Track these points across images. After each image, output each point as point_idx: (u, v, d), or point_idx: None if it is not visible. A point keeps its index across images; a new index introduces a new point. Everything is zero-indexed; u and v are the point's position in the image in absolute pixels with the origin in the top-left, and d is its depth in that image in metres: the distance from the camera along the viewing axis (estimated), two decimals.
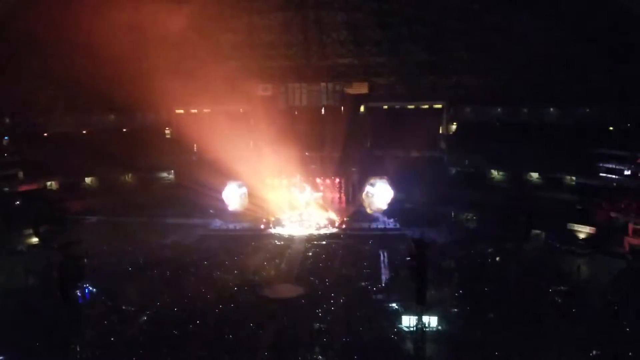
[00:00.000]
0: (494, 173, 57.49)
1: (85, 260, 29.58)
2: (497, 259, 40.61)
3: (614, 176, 49.62)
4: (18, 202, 51.35)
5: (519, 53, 53.89)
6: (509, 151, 54.27)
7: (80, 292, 31.24)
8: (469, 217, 50.99)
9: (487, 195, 51.81)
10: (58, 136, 59.54)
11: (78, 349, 27.32)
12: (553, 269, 38.21)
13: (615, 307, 31.63)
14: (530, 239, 45.84)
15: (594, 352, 26.23)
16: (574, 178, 52.29)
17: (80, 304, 30.95)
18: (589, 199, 48.10)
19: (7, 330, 28.89)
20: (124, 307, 32.45)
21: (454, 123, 63.75)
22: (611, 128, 54.01)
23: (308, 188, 55.10)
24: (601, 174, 50.37)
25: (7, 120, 59.08)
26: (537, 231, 46.04)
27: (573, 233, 45.74)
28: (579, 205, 48.33)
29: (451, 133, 63.78)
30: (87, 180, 59.00)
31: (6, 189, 52.61)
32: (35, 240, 45.86)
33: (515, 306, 31.54)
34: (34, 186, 54.60)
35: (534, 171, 55.05)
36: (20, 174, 54.79)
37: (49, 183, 56.63)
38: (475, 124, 61.15)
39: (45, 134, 60.43)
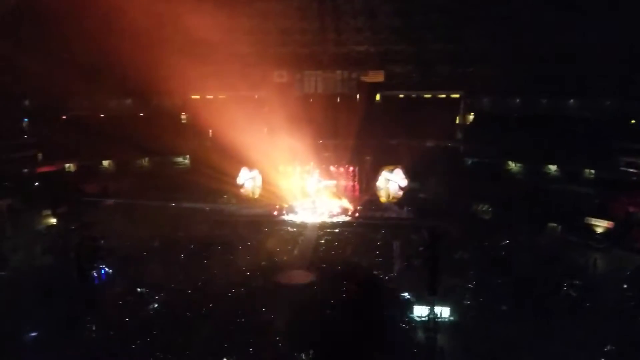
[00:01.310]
0: (511, 165, 56.89)
1: (102, 241, 29.96)
2: (512, 251, 40.30)
3: (634, 170, 48.80)
4: (37, 183, 52.08)
5: (539, 43, 53.00)
6: (527, 143, 53.62)
7: (96, 273, 31.76)
8: (483, 208, 50.58)
9: (503, 187, 51.35)
10: (76, 119, 60.21)
11: (94, 328, 27.86)
12: (568, 263, 37.85)
13: (632, 303, 31.31)
14: (546, 232, 45.44)
15: (608, 348, 26.03)
16: (592, 171, 51.53)
17: (96, 284, 31.46)
18: (607, 192, 47.42)
19: (24, 308, 29.52)
20: (138, 289, 32.95)
21: (471, 113, 63.10)
22: (633, 121, 53.03)
23: (321, 176, 55.03)
24: (621, 168, 49.57)
25: (27, 103, 59.88)
26: (553, 224, 45.58)
27: (590, 227, 45.18)
28: (597, 199, 47.68)
29: (468, 123, 63.20)
30: (105, 163, 59.68)
31: (25, 170, 53.45)
32: (53, 221, 46.54)
33: (528, 299, 31.34)
34: (52, 168, 55.40)
35: (552, 163, 54.35)
36: (39, 156, 55.60)
37: (67, 165, 57.36)
38: (492, 115, 60.52)
39: (64, 117, 61.12)
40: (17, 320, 28.22)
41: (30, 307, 29.67)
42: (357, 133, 58.04)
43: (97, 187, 54.25)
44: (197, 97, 65.06)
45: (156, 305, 31.17)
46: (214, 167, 52.35)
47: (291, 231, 46.87)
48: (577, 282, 33.88)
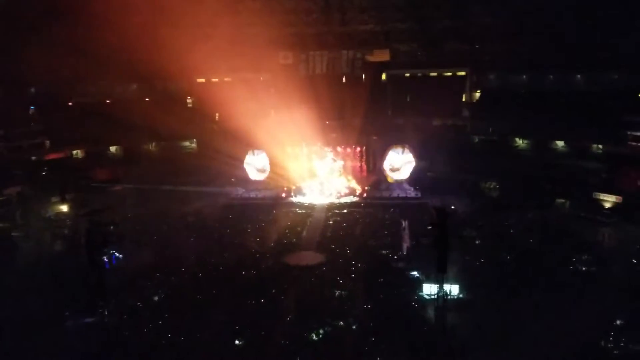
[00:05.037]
0: (518, 141, 56.54)
1: (112, 227, 30.15)
2: (520, 227, 40.22)
3: None
4: (45, 171, 52.45)
5: (545, 18, 52.22)
6: (534, 119, 53.16)
7: (106, 258, 32.01)
8: (491, 185, 50.45)
9: (511, 164, 51.12)
10: (82, 106, 60.32)
11: (105, 313, 28.18)
12: (577, 238, 37.75)
13: None
14: (554, 207, 45.28)
15: (618, 322, 26.07)
16: (600, 146, 51.12)
17: (106, 269, 31.71)
18: (615, 167, 47.08)
19: (35, 294, 29.87)
20: (149, 273, 33.25)
21: (478, 90, 62.55)
22: None
23: (329, 156, 54.97)
24: (629, 142, 49.12)
25: (33, 90, 59.99)
26: (562, 200, 45.39)
27: (598, 202, 44.99)
28: (605, 173, 47.39)
29: (475, 100, 62.68)
30: (112, 149, 59.96)
31: (33, 157, 53.80)
32: (62, 207, 46.94)
33: (537, 275, 31.37)
34: (60, 155, 55.73)
35: (560, 139, 53.91)
36: (47, 143, 55.90)
37: (74, 152, 57.68)
38: (499, 91, 59.95)
39: (70, 104, 61.25)
40: (28, 307, 28.52)
41: (40, 293, 30.01)
42: (364, 113, 57.79)
43: (105, 172, 54.54)
44: (203, 80, 64.91)
45: (167, 289, 31.44)
46: (221, 150, 52.46)
47: (300, 212, 47.02)
48: (586, 257, 33.84)
